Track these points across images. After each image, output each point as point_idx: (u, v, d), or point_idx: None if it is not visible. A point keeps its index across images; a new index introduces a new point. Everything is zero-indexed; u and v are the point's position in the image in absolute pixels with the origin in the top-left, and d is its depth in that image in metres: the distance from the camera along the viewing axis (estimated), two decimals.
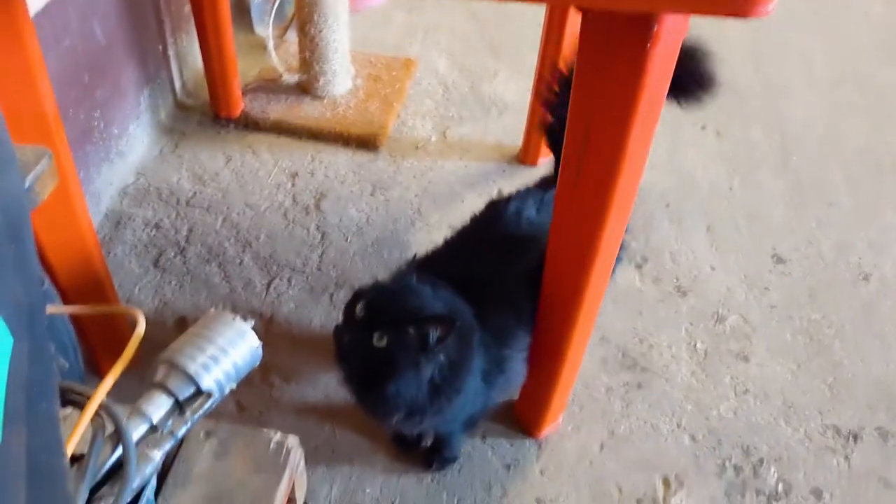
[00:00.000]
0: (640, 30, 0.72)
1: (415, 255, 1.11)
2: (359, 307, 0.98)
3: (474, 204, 1.36)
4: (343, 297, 1.53)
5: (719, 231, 1.73)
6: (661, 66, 0.76)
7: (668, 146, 1.92)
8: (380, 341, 0.95)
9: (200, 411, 0.69)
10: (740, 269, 1.65)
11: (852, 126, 2.04)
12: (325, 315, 1.52)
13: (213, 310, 0.75)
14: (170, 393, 0.68)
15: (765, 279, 1.63)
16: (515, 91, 2.08)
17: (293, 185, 1.79)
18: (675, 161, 1.90)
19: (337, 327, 1.00)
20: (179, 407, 0.69)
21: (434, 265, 1.12)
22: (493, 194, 1.76)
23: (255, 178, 1.80)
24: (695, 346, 1.50)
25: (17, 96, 0.97)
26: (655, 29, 0.71)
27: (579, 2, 0.72)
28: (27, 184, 0.70)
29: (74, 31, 1.49)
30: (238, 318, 0.73)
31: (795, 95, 2.12)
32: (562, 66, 1.23)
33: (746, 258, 1.67)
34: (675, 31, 0.74)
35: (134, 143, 1.80)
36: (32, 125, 1.00)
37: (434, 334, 0.94)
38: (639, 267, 1.64)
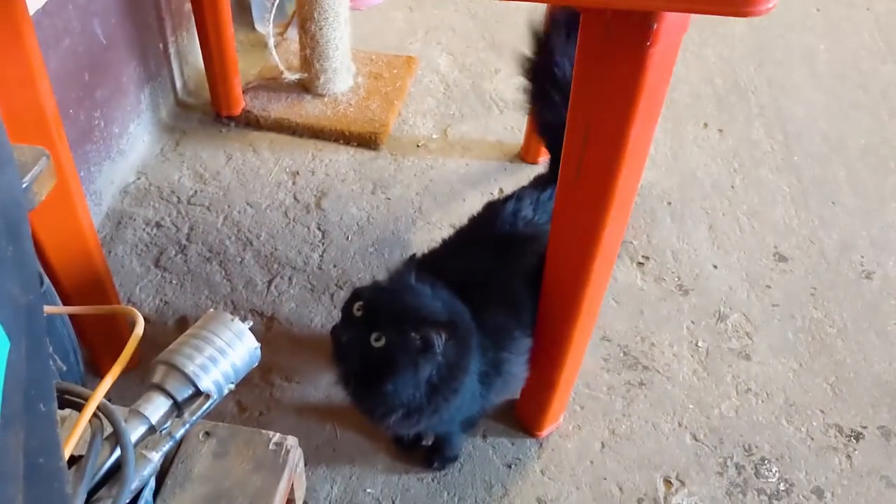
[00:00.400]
0: (640, 28, 0.72)
1: (413, 255, 1.10)
2: (356, 307, 0.98)
3: (476, 202, 1.36)
4: (344, 296, 1.53)
5: (721, 229, 1.73)
6: (660, 64, 0.76)
7: (669, 144, 1.92)
8: (378, 341, 0.95)
9: (199, 412, 0.69)
10: (742, 267, 1.65)
11: (855, 124, 2.03)
12: (325, 314, 1.52)
13: (211, 310, 0.75)
14: (168, 394, 0.68)
15: (767, 277, 1.63)
16: (516, 89, 2.07)
17: (294, 183, 1.79)
18: (677, 159, 1.89)
19: (334, 327, 0.99)
20: (178, 408, 0.69)
21: (432, 265, 1.12)
22: (495, 193, 1.77)
23: (256, 176, 1.80)
24: (696, 344, 1.50)
25: (17, 96, 0.97)
26: (655, 27, 0.71)
27: (579, 1, 0.72)
28: (25, 184, 0.70)
29: (74, 31, 1.49)
30: (236, 319, 0.74)
31: (798, 93, 2.11)
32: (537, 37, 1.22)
33: (748, 256, 1.67)
34: (674, 30, 0.73)
35: (135, 142, 1.80)
36: (32, 125, 1.00)
37: (438, 340, 0.94)
38: (640, 265, 1.64)
